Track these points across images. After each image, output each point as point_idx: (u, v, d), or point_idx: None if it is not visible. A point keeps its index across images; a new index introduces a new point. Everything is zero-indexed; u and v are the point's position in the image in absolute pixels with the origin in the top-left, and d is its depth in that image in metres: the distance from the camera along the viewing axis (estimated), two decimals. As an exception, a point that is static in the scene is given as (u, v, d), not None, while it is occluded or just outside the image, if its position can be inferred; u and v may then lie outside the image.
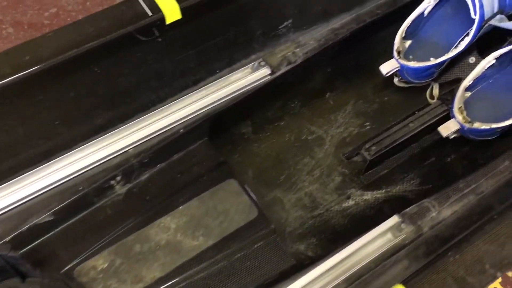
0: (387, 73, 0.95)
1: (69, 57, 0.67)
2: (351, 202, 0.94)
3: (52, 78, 0.69)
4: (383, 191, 0.94)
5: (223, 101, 0.83)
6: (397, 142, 0.95)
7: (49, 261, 0.72)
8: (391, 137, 0.96)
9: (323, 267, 0.69)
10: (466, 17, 0.89)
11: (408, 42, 0.99)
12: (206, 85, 0.83)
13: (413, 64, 0.93)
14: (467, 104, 0.92)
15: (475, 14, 0.87)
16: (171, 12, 0.72)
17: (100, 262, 0.72)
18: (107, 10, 0.72)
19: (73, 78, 0.71)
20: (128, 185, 0.76)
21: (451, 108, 0.90)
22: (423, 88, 1.03)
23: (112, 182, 0.74)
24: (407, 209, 0.74)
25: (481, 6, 0.86)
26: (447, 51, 0.93)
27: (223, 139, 0.94)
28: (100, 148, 0.75)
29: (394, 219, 0.72)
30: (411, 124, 0.97)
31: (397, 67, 0.95)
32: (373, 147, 0.95)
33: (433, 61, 0.92)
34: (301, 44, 0.89)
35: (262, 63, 0.84)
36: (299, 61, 0.87)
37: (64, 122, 0.74)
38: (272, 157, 0.97)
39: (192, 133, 0.80)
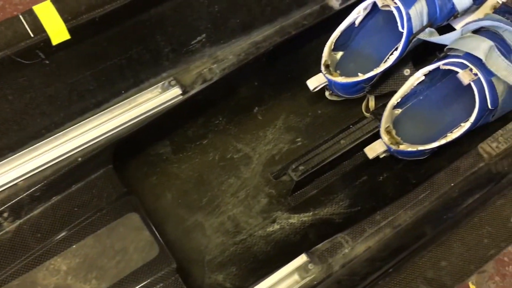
0: (314, 89, 0.90)
1: None
2: (276, 227, 0.88)
3: None
4: (311, 213, 0.89)
5: (130, 124, 0.76)
6: (327, 161, 0.90)
7: None
8: (320, 156, 0.90)
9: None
10: (396, 29, 0.83)
11: (340, 54, 0.93)
12: (110, 107, 0.76)
13: (341, 79, 0.87)
14: (397, 122, 0.87)
15: (403, 28, 0.82)
16: (58, 32, 0.64)
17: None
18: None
19: None
20: (18, 221, 0.69)
21: (379, 127, 0.84)
22: (360, 100, 0.97)
23: (-1, 219, 0.68)
24: (319, 245, 0.68)
25: (409, 19, 0.81)
26: (378, 64, 0.88)
27: (137, 162, 0.88)
28: (-16, 181, 0.69)
29: (301, 259, 0.66)
30: (342, 141, 0.92)
31: (325, 82, 0.89)
32: (301, 167, 0.89)
33: (361, 77, 0.86)
34: (219, 60, 0.82)
35: (173, 82, 0.78)
36: (215, 78, 0.81)
37: None
38: (194, 178, 0.91)
39: (92, 161, 0.73)
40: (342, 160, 0.93)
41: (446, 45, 0.80)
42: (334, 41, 0.89)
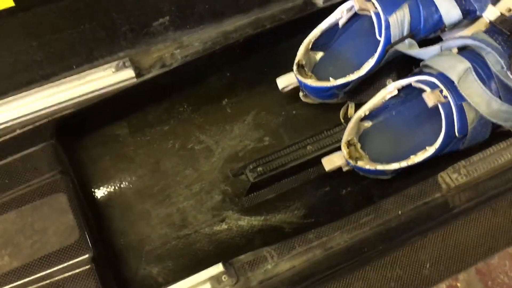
0: (283, 88, 0.84)
1: None
2: (223, 226, 0.85)
3: None
4: (262, 218, 0.85)
5: (77, 101, 0.73)
6: (288, 166, 0.85)
7: None
8: (282, 159, 0.86)
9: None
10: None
11: (320, 54, 0.88)
12: (59, 80, 0.73)
13: (311, 82, 0.81)
14: (365, 136, 0.81)
15: (380, 35, 0.75)
16: (0, -2, 0.62)
17: None
18: None
19: None
20: None
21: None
22: (340, 106, 0.91)
23: None
24: (242, 256, 0.64)
25: (387, 27, 0.74)
26: (355, 70, 0.82)
27: (91, 141, 0.85)
28: None
29: (217, 268, 0.62)
30: (309, 147, 0.87)
31: (295, 82, 0.84)
32: (259, 168, 0.85)
33: (332, 82, 0.81)
34: (183, 45, 0.78)
35: (127, 64, 0.74)
36: (175, 64, 0.77)
37: None
38: (150, 164, 0.88)
39: (32, 135, 0.71)
40: (307, 167, 0.88)
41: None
42: (312, 40, 0.84)
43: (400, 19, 0.74)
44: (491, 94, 0.67)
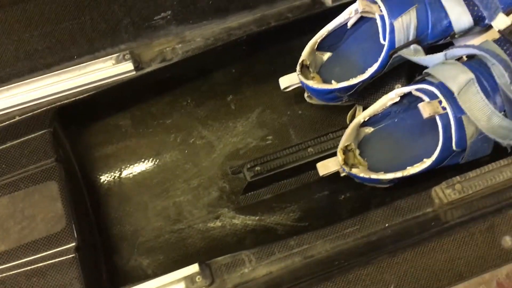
0: (285, 88, 0.83)
1: None
2: (217, 223, 0.85)
3: None
4: (257, 218, 0.84)
5: (77, 91, 0.75)
6: (287, 167, 0.84)
7: None
8: (281, 160, 0.85)
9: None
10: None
11: (328, 55, 0.85)
12: (61, 70, 0.74)
13: (312, 83, 0.79)
14: (366, 142, 0.79)
15: (384, 40, 0.72)
16: (1, -13, 0.63)
17: None
18: None
19: None
20: None
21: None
22: (348, 108, 0.89)
23: None
24: (220, 258, 0.64)
25: (392, 30, 0.71)
26: (362, 73, 0.79)
27: (94, 130, 0.87)
28: None
29: (193, 268, 0.62)
30: (310, 149, 0.85)
31: (298, 83, 0.82)
32: (257, 168, 0.84)
33: (334, 85, 0.78)
34: (185, 40, 0.78)
35: (127, 56, 0.75)
36: (176, 59, 0.76)
37: None
38: (151, 156, 0.89)
39: (31, 122, 0.73)
40: (307, 169, 0.86)
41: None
42: (318, 40, 0.81)
43: (406, 23, 0.71)
44: (493, 108, 0.63)
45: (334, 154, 0.81)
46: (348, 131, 0.75)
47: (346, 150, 0.76)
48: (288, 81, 0.82)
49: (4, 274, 0.65)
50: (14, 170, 0.71)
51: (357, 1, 0.72)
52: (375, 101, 0.84)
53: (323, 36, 0.81)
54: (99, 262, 0.75)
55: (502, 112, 0.64)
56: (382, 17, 0.71)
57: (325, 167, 0.75)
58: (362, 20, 0.81)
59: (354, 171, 0.72)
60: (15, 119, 0.73)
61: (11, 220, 0.68)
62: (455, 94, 0.63)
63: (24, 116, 0.73)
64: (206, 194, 0.87)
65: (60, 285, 0.64)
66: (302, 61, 0.81)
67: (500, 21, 0.65)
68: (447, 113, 0.64)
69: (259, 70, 0.91)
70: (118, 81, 0.75)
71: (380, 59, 0.74)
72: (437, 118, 0.64)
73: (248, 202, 0.86)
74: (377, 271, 0.54)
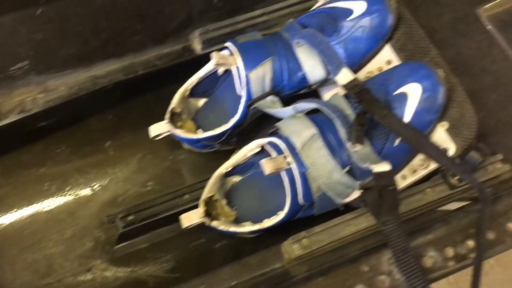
0: (154, 137, 0.82)
1: None
2: (88, 277, 0.82)
3: None
4: (129, 269, 0.82)
5: None
6: (161, 216, 0.82)
7: None
8: (155, 208, 0.83)
9: None
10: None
11: (203, 101, 0.85)
12: None
13: (179, 133, 0.79)
14: (234, 191, 0.78)
15: (242, 90, 0.72)
16: None
17: None
18: None
19: None
20: None
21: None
22: (230, 152, 0.88)
23: None
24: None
25: (248, 82, 0.71)
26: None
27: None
28: None
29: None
30: (186, 196, 0.84)
31: (167, 131, 0.81)
32: (130, 217, 0.82)
33: (199, 134, 0.78)
34: (48, 89, 0.76)
35: (-18, 108, 0.72)
36: (35, 110, 0.74)
37: None
38: (22, 206, 0.86)
39: None
40: (183, 217, 0.85)
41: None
42: (189, 88, 0.81)
43: (262, 75, 0.71)
44: (335, 164, 0.63)
45: (210, 202, 0.80)
46: (211, 181, 0.74)
47: (211, 201, 0.75)
48: (158, 129, 0.81)
49: None
50: None
51: (212, 53, 0.72)
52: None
53: (194, 83, 0.80)
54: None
55: (348, 167, 0.64)
56: (238, 69, 0.71)
57: (188, 219, 0.74)
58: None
59: (214, 223, 0.72)
60: None
61: None
62: (298, 150, 0.63)
63: None
64: (80, 245, 0.84)
65: None
66: (172, 108, 0.80)
67: (343, 76, 0.66)
68: (290, 168, 0.64)
69: (137, 116, 0.90)
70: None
71: (239, 111, 0.74)
72: (283, 173, 0.64)
73: (123, 253, 0.84)
74: None
